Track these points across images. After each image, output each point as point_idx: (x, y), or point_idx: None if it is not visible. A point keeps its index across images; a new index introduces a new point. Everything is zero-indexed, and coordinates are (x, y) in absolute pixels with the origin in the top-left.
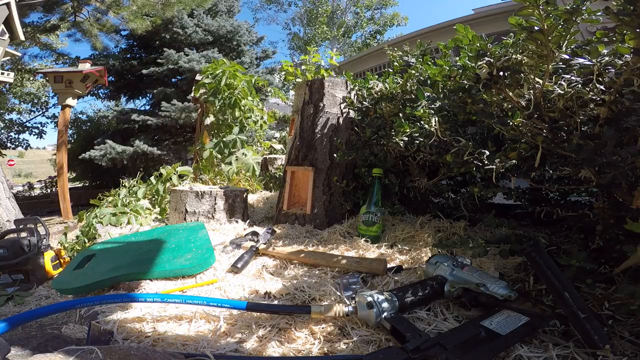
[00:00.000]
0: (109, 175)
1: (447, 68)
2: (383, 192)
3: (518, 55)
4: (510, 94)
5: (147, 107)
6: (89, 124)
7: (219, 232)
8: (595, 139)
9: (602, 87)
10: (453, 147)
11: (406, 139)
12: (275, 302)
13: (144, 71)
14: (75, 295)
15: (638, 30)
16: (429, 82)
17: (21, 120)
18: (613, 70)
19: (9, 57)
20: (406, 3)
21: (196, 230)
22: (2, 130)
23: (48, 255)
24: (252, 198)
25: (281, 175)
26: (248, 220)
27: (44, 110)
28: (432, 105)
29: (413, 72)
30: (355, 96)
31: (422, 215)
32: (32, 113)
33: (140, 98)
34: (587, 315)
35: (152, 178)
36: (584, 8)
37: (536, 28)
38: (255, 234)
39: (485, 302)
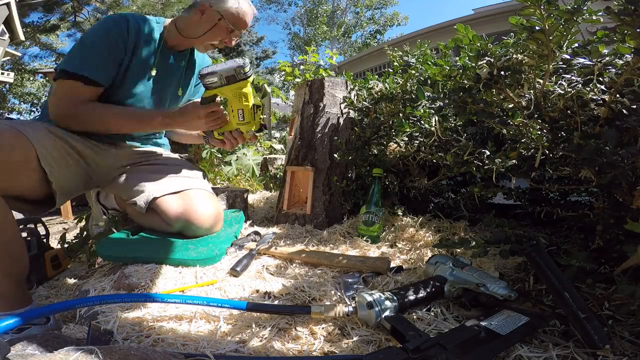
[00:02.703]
0: None
1: (448, 68)
2: (383, 192)
3: (519, 55)
4: (511, 94)
5: None
6: None
7: None
8: (595, 138)
9: (602, 87)
10: (453, 147)
11: (406, 138)
12: (276, 302)
13: None
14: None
15: (639, 30)
16: (429, 82)
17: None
18: (613, 70)
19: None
20: (406, 3)
21: (231, 224)
22: None
23: (48, 256)
24: (252, 198)
25: (281, 175)
26: (249, 221)
27: None
28: (432, 105)
29: (413, 72)
30: (355, 96)
31: (422, 215)
32: (32, 113)
33: None
34: (587, 315)
35: None
36: (585, 8)
37: (537, 28)
38: (257, 233)
39: (485, 302)
